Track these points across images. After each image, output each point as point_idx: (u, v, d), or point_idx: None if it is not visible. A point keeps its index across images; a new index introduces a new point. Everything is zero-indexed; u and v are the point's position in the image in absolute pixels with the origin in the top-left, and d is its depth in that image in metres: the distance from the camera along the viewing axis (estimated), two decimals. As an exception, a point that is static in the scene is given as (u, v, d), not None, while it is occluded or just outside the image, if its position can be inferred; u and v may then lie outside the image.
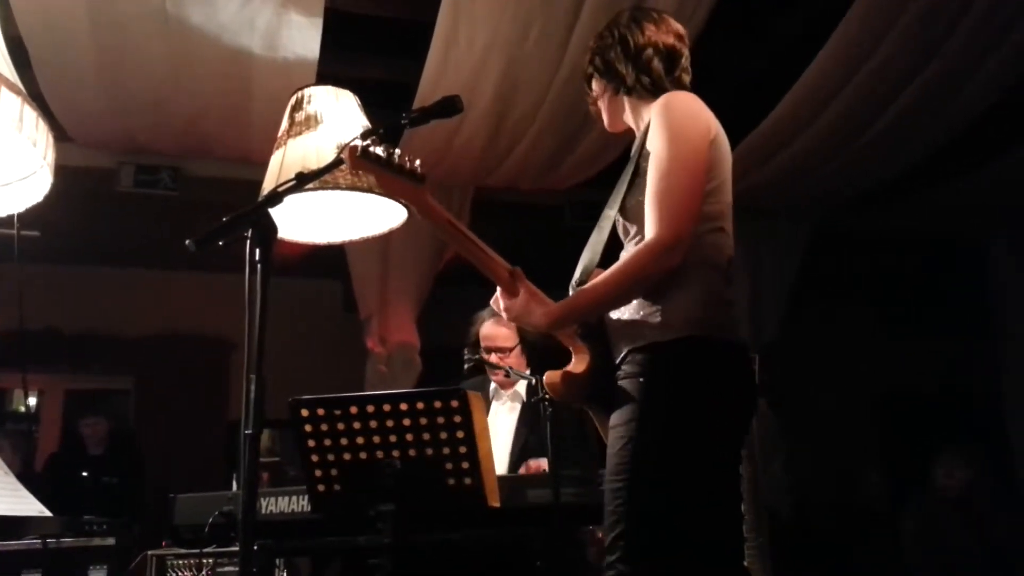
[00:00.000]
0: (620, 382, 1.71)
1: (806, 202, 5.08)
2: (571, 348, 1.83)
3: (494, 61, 3.70)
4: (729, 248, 1.78)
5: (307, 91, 2.23)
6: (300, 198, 2.08)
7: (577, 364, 1.80)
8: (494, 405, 3.18)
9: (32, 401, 6.06)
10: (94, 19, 3.36)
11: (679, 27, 1.93)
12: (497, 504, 2.00)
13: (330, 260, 4.50)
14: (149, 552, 2.67)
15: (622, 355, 1.73)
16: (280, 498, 2.48)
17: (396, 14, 3.78)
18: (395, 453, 1.96)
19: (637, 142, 1.85)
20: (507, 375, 2.94)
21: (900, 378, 6.53)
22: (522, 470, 2.80)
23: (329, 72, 3.60)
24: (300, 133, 2.15)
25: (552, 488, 2.27)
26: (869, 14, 3.55)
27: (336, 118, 2.17)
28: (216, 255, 1.45)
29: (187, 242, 1.40)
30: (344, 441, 1.97)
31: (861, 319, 6.65)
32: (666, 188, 1.67)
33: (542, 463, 2.77)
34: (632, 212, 1.78)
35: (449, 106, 1.72)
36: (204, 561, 2.58)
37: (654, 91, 1.84)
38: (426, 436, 1.95)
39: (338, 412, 1.96)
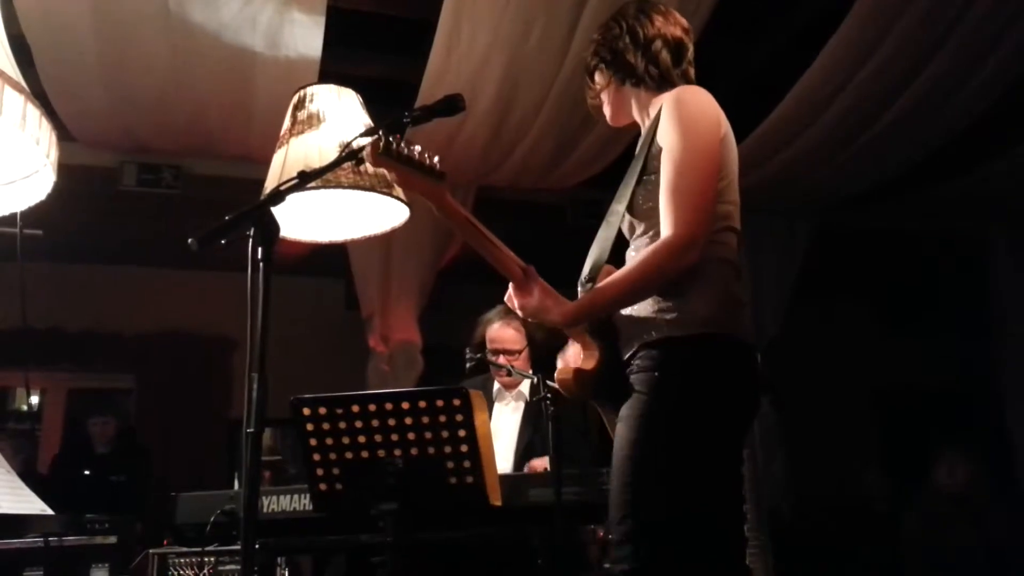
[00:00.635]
0: (632, 376, 1.70)
1: (807, 200, 5.07)
2: (581, 345, 1.83)
3: (496, 59, 3.69)
4: (737, 246, 1.78)
5: (309, 89, 2.24)
6: (302, 196, 2.08)
7: (587, 361, 1.80)
8: (497, 406, 3.18)
9: (34, 400, 6.07)
10: (97, 18, 3.37)
11: (684, 21, 1.93)
12: (498, 503, 2.00)
13: (332, 259, 4.50)
14: (151, 550, 2.67)
15: (634, 350, 1.72)
16: (282, 497, 2.49)
17: (398, 12, 3.78)
18: (397, 452, 1.96)
19: (644, 136, 1.84)
20: (508, 374, 2.94)
21: (901, 376, 6.53)
22: (526, 470, 2.80)
23: (331, 70, 3.60)
24: (302, 132, 2.15)
25: (554, 487, 2.27)
26: (870, 14, 3.55)
27: (338, 117, 2.17)
28: (218, 253, 1.45)
29: (189, 240, 1.40)
30: (346, 440, 1.97)
31: (862, 318, 6.65)
32: (682, 186, 1.67)
33: (544, 463, 2.78)
34: (640, 209, 1.78)
35: (451, 104, 1.72)
36: (206, 560, 2.58)
37: (661, 83, 1.84)
38: (428, 435, 1.95)
39: (340, 411, 1.96)
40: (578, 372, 1.79)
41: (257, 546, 1.57)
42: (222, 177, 4.42)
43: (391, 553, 1.91)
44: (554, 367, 1.85)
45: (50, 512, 2.64)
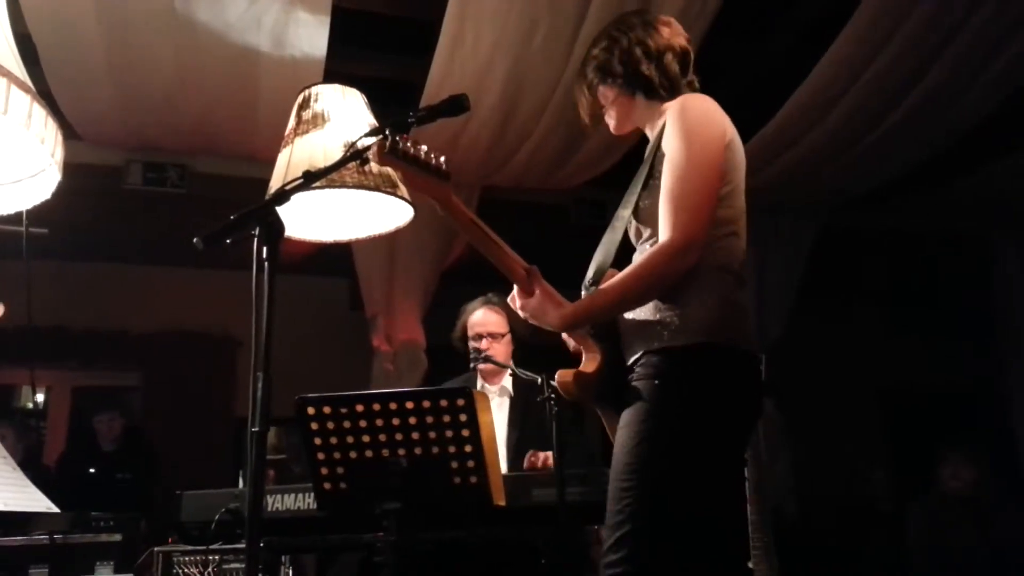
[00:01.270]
0: (634, 383, 1.71)
1: (812, 201, 5.07)
2: (582, 348, 1.83)
3: (500, 60, 3.70)
4: (742, 253, 1.78)
5: (314, 89, 2.24)
6: (307, 196, 2.08)
7: (588, 364, 1.80)
8: None
9: (40, 397, 6.09)
10: (102, 17, 3.38)
11: (684, 31, 1.94)
12: (502, 503, 2.00)
13: (337, 258, 4.51)
14: (156, 548, 2.68)
15: (636, 356, 1.73)
16: (286, 496, 2.49)
17: (403, 12, 3.79)
18: (401, 452, 1.96)
19: (652, 144, 1.85)
20: (477, 358, 2.93)
21: (906, 377, 6.52)
22: (529, 461, 2.78)
23: (336, 70, 3.61)
24: (307, 131, 2.15)
25: (557, 487, 2.27)
26: (875, 15, 3.54)
27: (343, 116, 2.17)
28: (223, 253, 1.46)
29: (195, 240, 1.40)
30: (350, 439, 1.97)
31: (867, 318, 6.64)
32: (680, 190, 1.67)
33: (548, 455, 2.77)
34: (645, 214, 1.78)
35: (456, 105, 1.72)
36: (210, 558, 2.58)
37: (671, 93, 1.84)
38: (432, 435, 1.95)
39: (344, 410, 1.96)
40: (579, 375, 1.80)
41: (261, 545, 1.57)
42: (227, 176, 4.43)
43: (395, 553, 1.91)
44: (537, 363, 1.86)
45: (56, 510, 2.65)
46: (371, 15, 3.75)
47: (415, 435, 1.95)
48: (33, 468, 3.97)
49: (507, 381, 3.11)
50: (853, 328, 6.50)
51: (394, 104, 3.37)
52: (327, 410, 1.97)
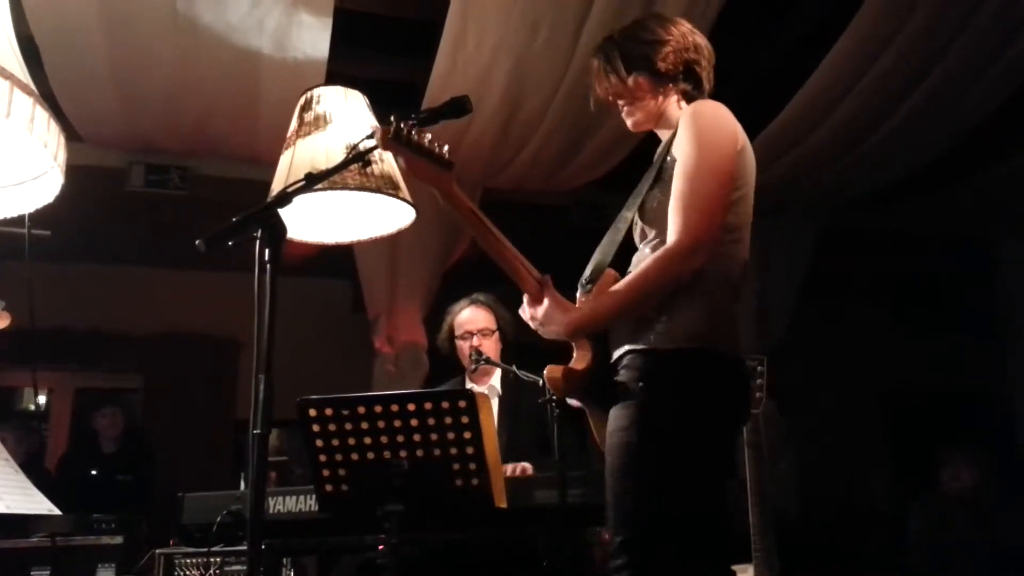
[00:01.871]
0: (619, 381, 1.71)
1: (815, 201, 5.07)
2: (573, 344, 1.83)
3: (503, 61, 3.70)
4: (742, 261, 1.78)
5: (316, 91, 2.24)
6: (309, 198, 2.08)
7: (579, 360, 1.81)
8: None
9: (42, 399, 6.09)
10: (105, 19, 3.38)
11: None
12: (504, 505, 2.00)
13: (338, 260, 4.51)
14: (157, 551, 2.68)
15: (621, 353, 1.73)
16: (288, 498, 2.49)
17: (405, 14, 3.79)
18: (403, 453, 1.96)
19: (663, 146, 1.84)
20: (478, 361, 2.93)
21: (908, 378, 6.51)
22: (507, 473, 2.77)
23: (338, 72, 3.61)
24: (309, 133, 2.16)
25: (559, 489, 2.27)
26: (877, 16, 3.54)
27: (345, 118, 2.17)
28: (225, 254, 1.46)
29: (197, 242, 1.40)
30: (352, 441, 1.97)
31: (869, 319, 6.63)
32: (691, 193, 1.67)
33: (520, 466, 2.77)
34: (651, 215, 1.78)
35: (458, 106, 1.72)
36: (212, 560, 2.58)
37: (696, 94, 1.84)
38: (434, 437, 1.95)
39: (346, 412, 1.96)
40: (568, 371, 1.80)
41: (263, 547, 1.57)
42: (229, 178, 4.43)
43: (396, 555, 1.91)
44: (535, 366, 1.85)
45: (57, 512, 2.65)
46: (373, 17, 3.76)
47: (416, 437, 1.95)
48: (35, 470, 3.97)
49: (495, 381, 3.10)
50: (855, 329, 6.50)
51: (396, 106, 3.36)
52: (328, 412, 1.96)
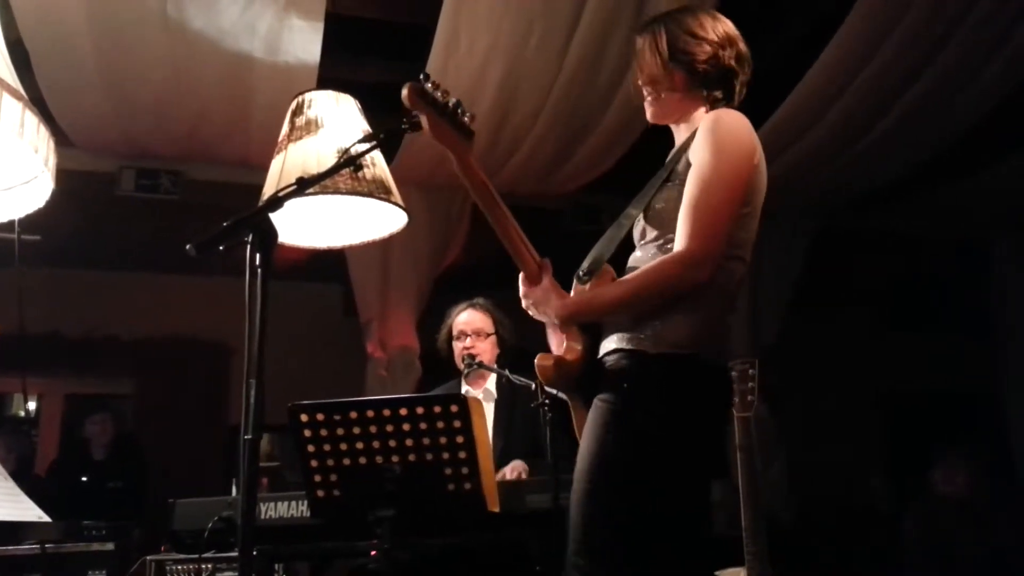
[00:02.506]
0: (604, 379, 1.71)
1: (808, 203, 5.08)
2: (567, 335, 1.83)
3: (495, 65, 3.70)
4: (742, 278, 1.77)
5: (308, 95, 2.24)
6: (301, 202, 2.08)
7: (570, 351, 1.80)
8: None
9: (32, 405, 6.06)
10: (95, 23, 3.37)
11: None
12: (496, 509, 2.00)
13: (330, 264, 4.50)
14: (148, 557, 2.67)
15: (608, 351, 1.73)
16: (279, 503, 2.48)
17: (397, 18, 3.79)
18: (395, 458, 1.95)
19: (678, 148, 1.83)
20: (471, 365, 2.93)
21: (902, 379, 6.52)
22: (502, 476, 2.78)
23: (330, 76, 3.61)
24: (301, 137, 2.15)
25: (551, 493, 2.27)
26: (871, 15, 3.56)
27: (337, 122, 2.17)
28: (216, 259, 1.45)
29: (187, 247, 1.39)
30: (344, 446, 1.97)
31: (863, 320, 6.65)
32: (705, 202, 1.65)
33: (514, 469, 2.77)
34: (656, 216, 1.76)
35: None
36: (203, 566, 2.57)
37: (723, 104, 1.81)
38: (426, 441, 1.94)
39: (338, 417, 1.95)
40: (559, 361, 1.79)
41: (255, 553, 1.57)
42: (221, 183, 4.42)
43: (389, 560, 1.91)
44: (529, 370, 1.85)
45: (47, 519, 2.63)
46: (365, 20, 3.76)
47: (409, 442, 1.95)
48: (26, 477, 3.95)
49: (491, 384, 3.11)
50: (849, 331, 6.51)
51: (388, 110, 3.36)
52: (320, 417, 1.96)
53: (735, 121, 1.75)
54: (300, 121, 2.18)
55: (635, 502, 1.61)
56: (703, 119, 1.76)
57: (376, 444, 1.95)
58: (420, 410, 1.93)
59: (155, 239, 4.85)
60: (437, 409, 1.93)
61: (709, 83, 1.81)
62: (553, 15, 3.51)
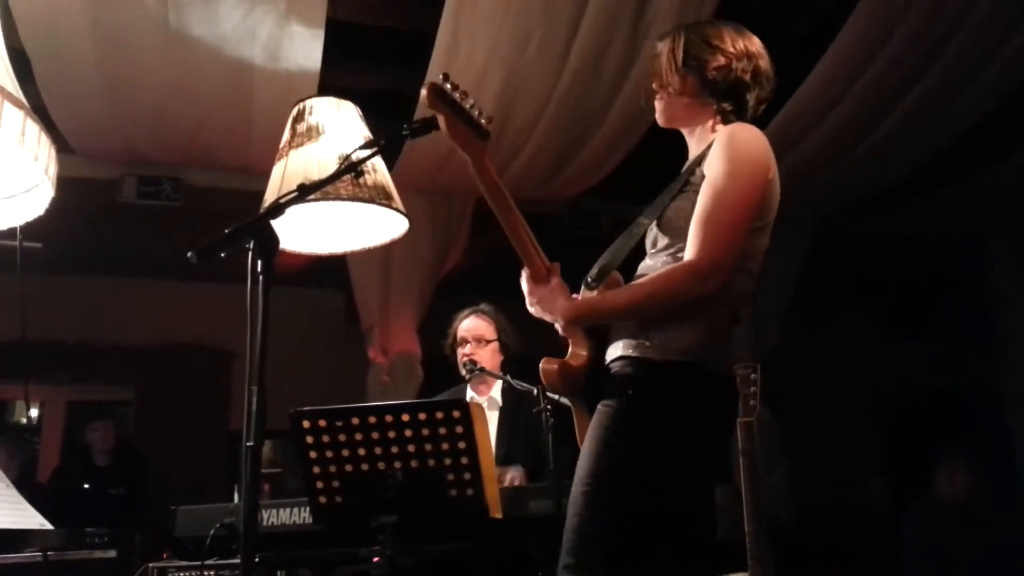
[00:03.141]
0: (608, 385, 1.71)
1: (808, 206, 5.08)
2: (571, 340, 1.83)
3: (494, 71, 3.71)
4: (748, 292, 1.77)
5: (309, 102, 2.24)
6: (302, 209, 2.08)
7: (575, 357, 1.80)
8: None
9: (34, 412, 6.06)
10: (96, 31, 3.38)
11: None
12: (499, 515, 2.00)
13: (332, 270, 4.50)
14: (150, 564, 2.67)
15: (613, 357, 1.74)
16: (281, 510, 2.48)
17: (397, 25, 3.80)
18: (397, 464, 1.96)
19: (693, 160, 1.82)
20: (472, 371, 2.94)
21: (902, 382, 6.52)
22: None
23: (331, 83, 3.61)
24: (302, 144, 2.16)
25: (554, 498, 2.27)
26: (871, 19, 3.56)
27: (338, 129, 2.17)
28: (218, 265, 1.46)
29: (189, 254, 1.40)
30: (345, 452, 1.97)
31: (863, 324, 6.64)
32: (718, 214, 1.65)
33: (513, 474, 2.77)
34: (669, 225, 1.76)
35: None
36: (205, 573, 2.57)
37: (733, 117, 1.80)
38: (428, 447, 1.95)
39: (339, 423, 1.95)
40: (564, 365, 1.79)
41: (257, 560, 1.57)
42: (222, 189, 4.43)
43: (391, 566, 1.90)
44: (532, 377, 1.85)
45: (49, 526, 2.63)
46: (365, 27, 3.76)
47: (411, 448, 1.95)
48: (28, 485, 3.95)
49: (496, 391, 3.11)
50: (849, 333, 6.51)
51: (389, 116, 3.37)
52: (322, 423, 1.96)
53: (751, 136, 1.74)
54: (301, 128, 2.18)
55: (633, 506, 1.61)
56: (719, 133, 1.76)
57: (378, 450, 1.95)
58: (422, 416, 1.94)
59: (156, 246, 4.86)
60: (439, 415, 1.93)
61: (719, 93, 1.81)
62: (552, 22, 3.52)
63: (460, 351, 3.10)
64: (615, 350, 1.74)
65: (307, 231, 2.27)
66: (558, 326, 1.82)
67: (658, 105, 1.88)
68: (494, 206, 1.77)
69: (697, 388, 1.67)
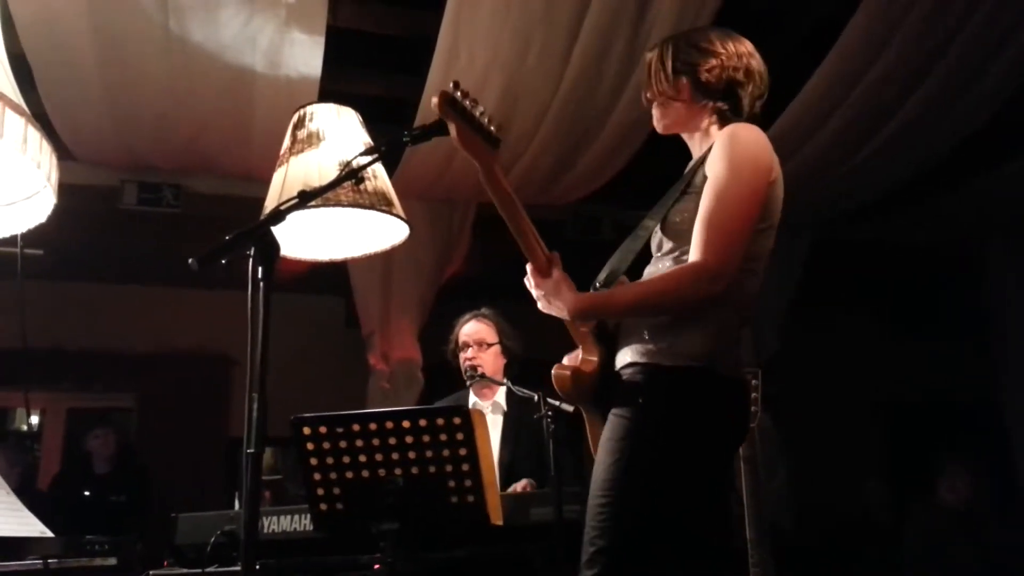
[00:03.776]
0: (619, 392, 1.71)
1: (807, 212, 5.08)
2: (583, 347, 1.83)
3: (495, 77, 3.71)
4: (755, 293, 1.77)
5: (309, 108, 2.24)
6: (302, 215, 2.08)
7: (586, 363, 1.80)
8: None
9: (34, 420, 6.06)
10: (97, 38, 3.39)
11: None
12: (500, 522, 1.99)
13: (332, 276, 4.50)
14: (151, 572, 2.65)
15: (624, 364, 1.73)
16: (282, 517, 2.47)
17: (397, 31, 3.80)
18: (397, 471, 1.95)
19: (695, 162, 1.83)
20: (472, 376, 2.93)
21: (902, 388, 6.51)
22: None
23: (331, 89, 3.62)
24: (302, 150, 2.16)
25: (555, 505, 2.26)
26: (870, 24, 3.56)
27: (338, 135, 2.18)
28: (218, 272, 1.46)
29: (190, 260, 1.40)
30: (346, 459, 1.96)
31: (862, 329, 6.64)
32: (721, 215, 1.65)
33: (523, 483, 2.76)
34: (673, 228, 1.77)
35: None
36: (206, 580, 2.55)
37: (731, 116, 1.81)
38: (429, 454, 1.94)
39: (340, 430, 1.95)
40: (576, 372, 1.79)
41: (257, 567, 1.56)
42: (222, 196, 4.43)
43: (392, 573, 1.90)
44: (535, 383, 1.84)
45: (50, 534, 2.62)
46: (365, 34, 3.77)
47: (411, 454, 1.94)
48: (28, 493, 3.94)
49: (500, 396, 3.10)
50: (849, 340, 6.50)
51: (389, 123, 3.38)
52: (323, 430, 1.96)
53: (752, 136, 1.74)
54: (302, 134, 2.19)
55: (651, 514, 1.61)
56: (720, 134, 1.76)
57: (379, 457, 1.95)
58: (423, 422, 1.93)
59: (157, 252, 4.86)
60: (440, 422, 1.93)
61: (713, 94, 1.82)
62: (553, 28, 3.53)
63: (462, 355, 3.10)
64: (625, 356, 1.74)
65: (308, 237, 2.27)
66: (565, 319, 1.81)
67: (655, 113, 1.90)
68: (504, 213, 1.78)
69: (708, 392, 1.67)
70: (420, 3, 3.53)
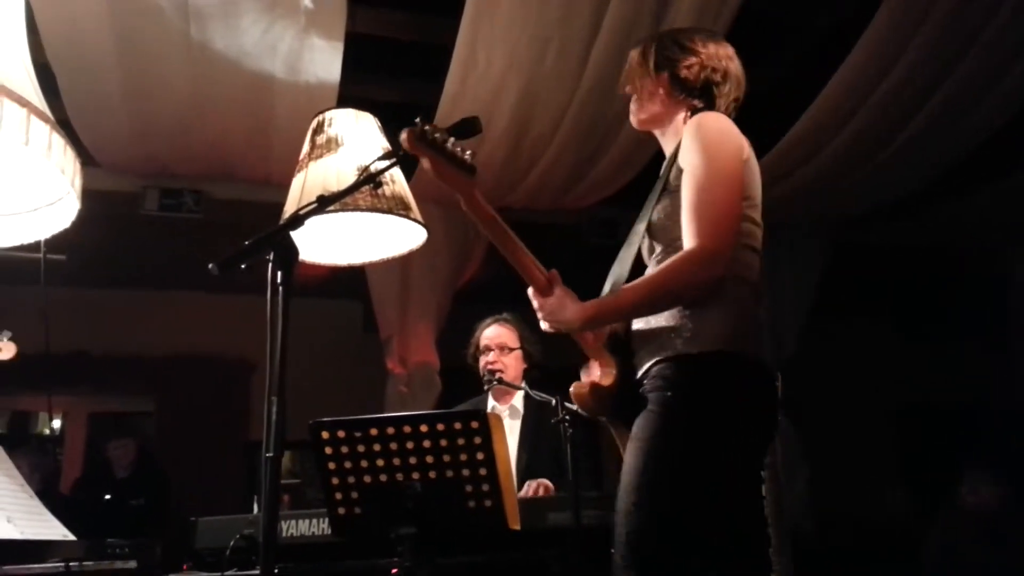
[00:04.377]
0: (646, 394, 1.69)
1: (826, 216, 5.05)
2: (599, 361, 1.82)
3: (512, 81, 3.72)
4: (759, 267, 1.77)
5: (328, 114, 2.26)
6: (321, 220, 2.09)
7: (605, 377, 1.80)
8: None
9: (56, 424, 6.12)
10: (119, 46, 3.42)
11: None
12: (517, 527, 1.98)
13: (350, 281, 4.52)
14: (171, 575, 2.67)
15: (647, 367, 1.71)
16: (301, 521, 2.48)
17: (415, 37, 3.82)
18: (415, 475, 1.95)
19: (668, 159, 1.85)
20: (492, 380, 2.93)
21: (923, 392, 6.45)
22: (525, 492, 2.76)
23: (350, 95, 3.63)
24: (321, 156, 2.17)
25: (573, 510, 2.25)
26: (889, 28, 3.54)
27: (356, 140, 2.19)
28: (238, 277, 1.46)
29: (210, 265, 1.41)
30: (364, 463, 1.97)
31: (882, 333, 6.59)
32: (705, 200, 1.66)
33: (537, 486, 2.75)
34: (657, 229, 1.77)
35: (468, 127, 1.73)
36: (225, 584, 2.57)
37: (706, 109, 1.82)
38: (447, 458, 1.94)
39: (358, 434, 1.95)
40: (595, 387, 1.79)
41: (276, 571, 1.56)
42: (243, 201, 4.46)
43: (410, 577, 1.90)
44: (553, 387, 1.84)
45: (71, 537, 2.64)
46: (384, 40, 3.79)
47: (430, 459, 1.94)
48: (50, 496, 3.97)
49: (518, 400, 3.10)
50: (868, 344, 6.45)
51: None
52: (341, 434, 1.96)
53: (716, 121, 1.76)
54: (320, 139, 2.20)
55: (686, 509, 1.59)
56: (686, 125, 1.77)
57: (397, 461, 1.95)
58: (441, 427, 1.93)
59: (178, 257, 4.90)
60: (458, 426, 1.93)
61: (691, 91, 1.84)
62: (570, 32, 3.53)
63: (483, 359, 3.10)
64: (646, 359, 1.72)
65: (326, 242, 2.28)
66: (574, 331, 1.80)
67: (632, 107, 1.92)
68: (492, 237, 1.77)
69: (735, 375, 1.65)
70: (438, 9, 3.54)
